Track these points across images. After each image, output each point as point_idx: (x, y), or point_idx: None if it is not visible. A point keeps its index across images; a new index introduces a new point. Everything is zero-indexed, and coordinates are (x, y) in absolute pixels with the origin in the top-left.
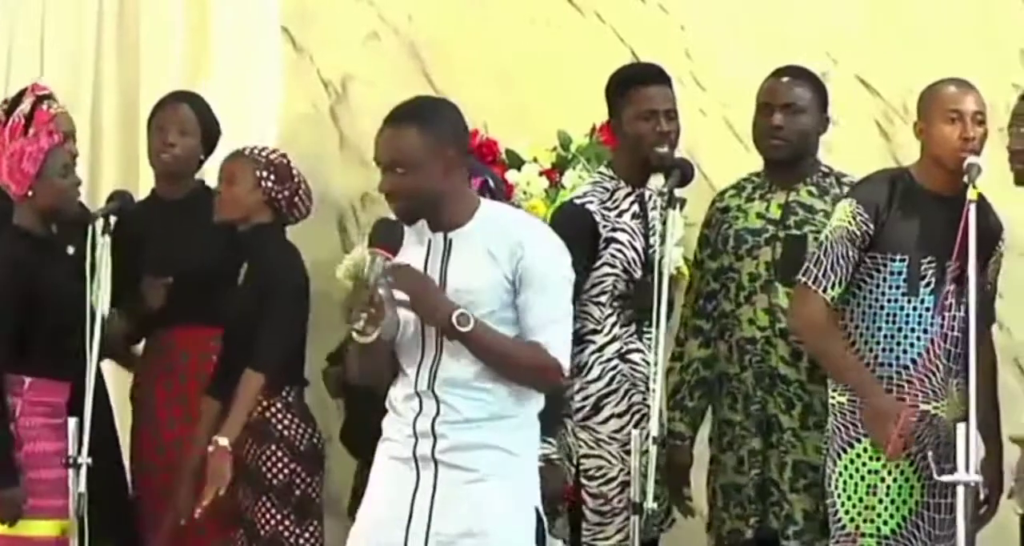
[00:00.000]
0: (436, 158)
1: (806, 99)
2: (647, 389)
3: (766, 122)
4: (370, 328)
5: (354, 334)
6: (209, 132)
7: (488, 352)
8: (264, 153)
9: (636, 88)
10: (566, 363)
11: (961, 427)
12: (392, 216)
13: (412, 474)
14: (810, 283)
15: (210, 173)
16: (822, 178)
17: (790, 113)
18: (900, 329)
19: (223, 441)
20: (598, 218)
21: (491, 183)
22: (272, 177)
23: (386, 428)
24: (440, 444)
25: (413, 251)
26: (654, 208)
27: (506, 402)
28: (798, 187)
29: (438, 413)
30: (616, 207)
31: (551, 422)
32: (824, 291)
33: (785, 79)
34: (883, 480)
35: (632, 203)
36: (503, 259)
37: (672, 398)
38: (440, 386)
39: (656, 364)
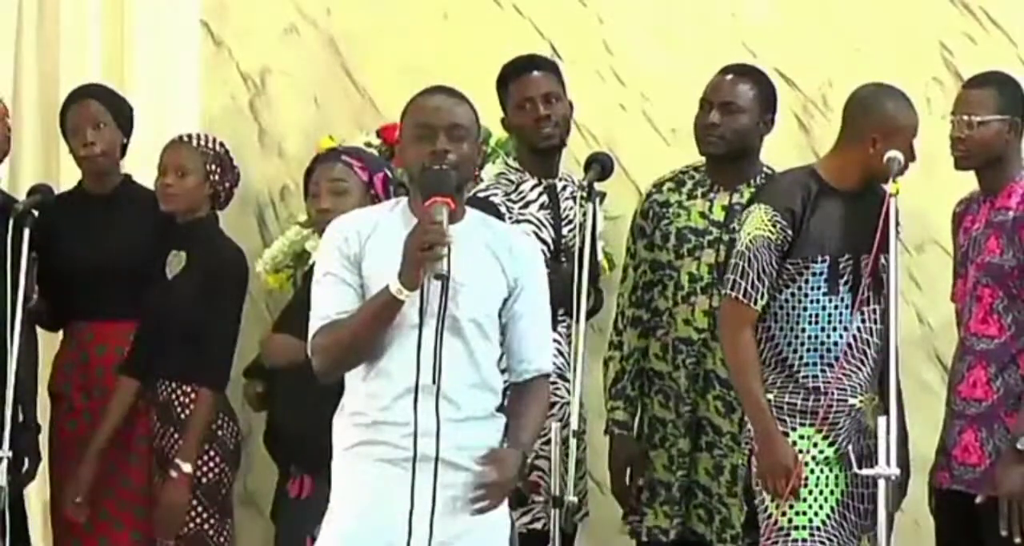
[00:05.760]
0: (476, 146)
1: (747, 98)
2: (560, 378)
3: (703, 119)
4: (443, 267)
5: (434, 268)
6: (122, 117)
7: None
8: (211, 146)
9: (512, 80)
10: None
11: (882, 420)
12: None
13: (406, 475)
14: (741, 297)
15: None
16: (765, 180)
17: (727, 111)
18: (823, 328)
19: (186, 467)
20: (503, 210)
21: (390, 176)
22: (219, 170)
23: (364, 432)
24: (443, 443)
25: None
26: (567, 199)
27: (495, 401)
28: (740, 189)
29: (438, 410)
30: (522, 198)
31: None
32: (754, 303)
33: (729, 77)
34: (812, 472)
35: (540, 194)
36: (505, 261)
37: (613, 387)
38: (445, 381)
39: (577, 357)
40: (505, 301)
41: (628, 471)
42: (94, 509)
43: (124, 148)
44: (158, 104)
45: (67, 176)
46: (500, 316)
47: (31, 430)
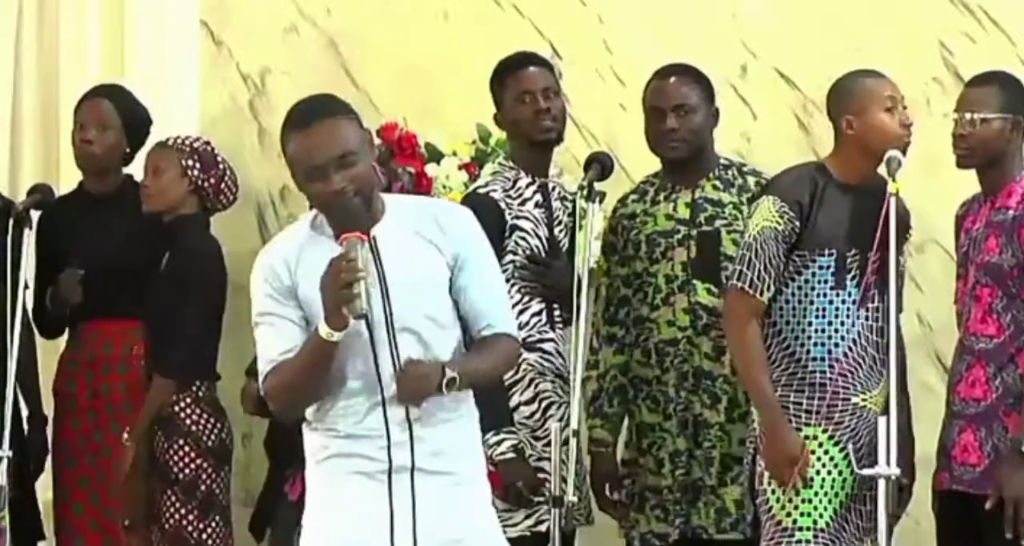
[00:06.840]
0: (369, 148)
1: (694, 97)
2: (557, 378)
3: (660, 126)
4: (362, 305)
5: (353, 309)
6: (134, 124)
7: (479, 381)
8: (187, 142)
9: (511, 74)
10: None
11: (882, 420)
12: None
13: (383, 487)
14: (747, 287)
15: (139, 164)
16: (723, 171)
17: (681, 114)
18: (830, 322)
19: (127, 443)
20: (503, 205)
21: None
22: (197, 165)
23: (339, 445)
24: (418, 451)
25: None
26: (558, 199)
27: (468, 397)
28: (702, 183)
29: (409, 417)
30: (519, 196)
31: (506, 411)
32: (760, 294)
33: (672, 79)
34: (818, 473)
35: (535, 192)
36: (439, 241)
37: (591, 405)
38: None
39: (577, 356)
40: (450, 280)
41: (608, 486)
42: (95, 506)
43: (127, 157)
44: (158, 104)
45: (67, 176)
46: (450, 294)
47: (37, 420)
